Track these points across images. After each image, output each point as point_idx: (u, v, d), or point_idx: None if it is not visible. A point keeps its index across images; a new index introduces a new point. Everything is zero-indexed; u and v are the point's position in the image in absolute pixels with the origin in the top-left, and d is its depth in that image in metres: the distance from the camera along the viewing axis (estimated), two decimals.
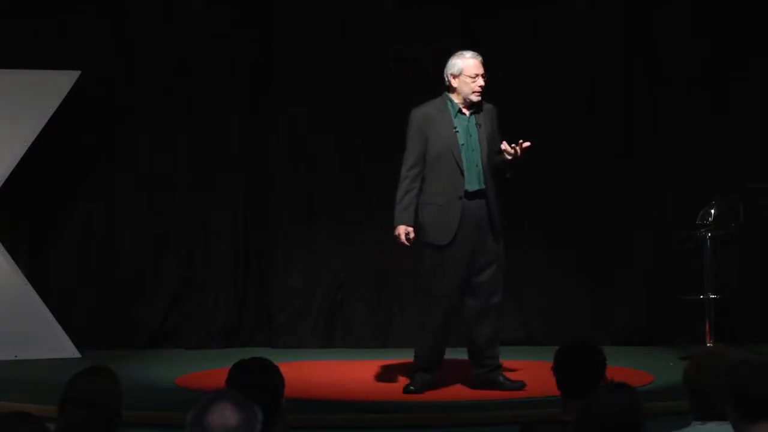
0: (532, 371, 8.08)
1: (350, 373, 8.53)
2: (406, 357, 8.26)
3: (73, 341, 9.38)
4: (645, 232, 9.80)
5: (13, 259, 9.46)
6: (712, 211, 8.95)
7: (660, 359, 8.77)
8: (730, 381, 3.64)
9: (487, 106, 7.69)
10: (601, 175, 9.86)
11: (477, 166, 7.56)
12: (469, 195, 7.54)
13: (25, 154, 9.37)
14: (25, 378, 8.33)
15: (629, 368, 8.16)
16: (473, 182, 7.55)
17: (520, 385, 7.63)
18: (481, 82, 7.59)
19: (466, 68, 7.61)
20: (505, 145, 7.51)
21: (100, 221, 10.04)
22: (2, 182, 9.37)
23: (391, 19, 9.91)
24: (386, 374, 8.26)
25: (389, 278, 9.97)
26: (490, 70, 7.78)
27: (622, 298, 9.91)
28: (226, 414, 3.03)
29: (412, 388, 7.59)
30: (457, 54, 7.69)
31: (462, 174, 7.52)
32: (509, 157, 7.51)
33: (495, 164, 7.60)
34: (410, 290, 9.90)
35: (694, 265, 9.12)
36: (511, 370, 7.93)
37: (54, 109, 9.36)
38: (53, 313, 9.43)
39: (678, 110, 9.90)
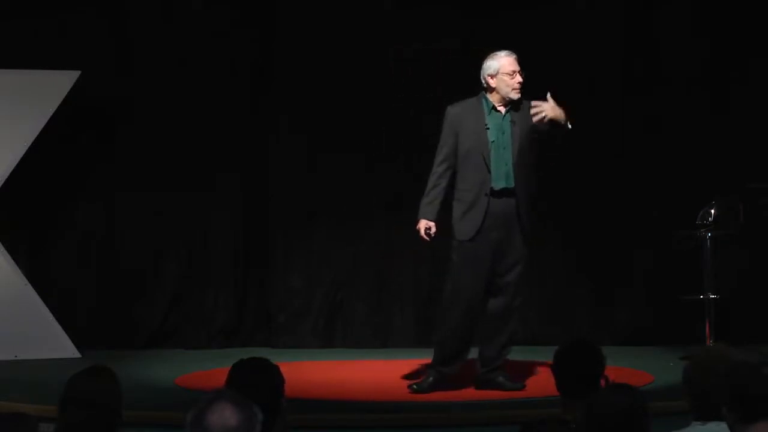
0: (532, 371, 8.08)
1: (350, 373, 8.54)
2: (406, 357, 8.28)
3: (73, 341, 9.38)
4: (645, 232, 9.79)
5: (13, 259, 9.46)
6: (712, 211, 8.95)
7: (660, 359, 8.76)
8: (725, 382, 3.64)
9: (525, 103, 7.60)
10: (601, 175, 9.86)
11: (506, 164, 7.50)
12: (496, 193, 7.49)
13: (25, 154, 9.37)
14: (25, 378, 8.33)
15: (629, 368, 8.16)
16: (500, 180, 7.49)
17: (520, 386, 7.62)
18: (519, 78, 7.54)
19: (502, 66, 7.56)
20: (533, 110, 7.44)
21: (100, 221, 10.04)
22: (2, 182, 9.37)
23: (391, 19, 9.91)
24: (386, 374, 8.26)
25: (389, 278, 9.97)
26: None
27: (622, 298, 9.91)
28: (226, 414, 3.02)
29: (415, 387, 7.58)
30: (490, 56, 7.62)
31: (489, 171, 7.49)
32: (543, 117, 7.41)
33: (544, 138, 7.52)
34: (410, 290, 9.92)
35: (694, 265, 9.11)
36: (512, 370, 7.93)
37: (54, 109, 9.36)
38: (53, 313, 9.43)
39: (678, 110, 9.90)
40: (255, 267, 10.14)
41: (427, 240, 7.60)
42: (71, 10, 9.83)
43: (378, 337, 9.99)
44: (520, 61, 7.62)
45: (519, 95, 7.55)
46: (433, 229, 7.55)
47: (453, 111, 7.63)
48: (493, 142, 7.51)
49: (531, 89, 9.72)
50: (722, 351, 4.03)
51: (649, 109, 9.94)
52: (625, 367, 8.06)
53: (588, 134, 9.82)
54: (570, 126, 7.49)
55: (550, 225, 9.82)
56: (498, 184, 7.49)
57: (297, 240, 10.05)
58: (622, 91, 9.95)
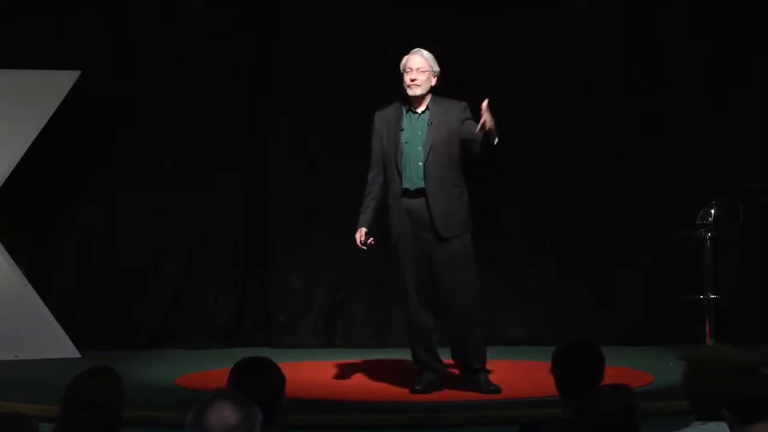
0: (532, 371, 8.07)
1: (350, 373, 8.54)
2: (406, 357, 8.26)
3: (73, 341, 9.39)
4: (645, 232, 9.80)
5: (13, 259, 9.47)
6: (712, 211, 8.95)
7: (660, 359, 8.76)
8: (725, 383, 3.64)
9: (455, 104, 7.54)
10: (601, 175, 9.86)
11: (419, 164, 7.47)
12: (410, 193, 7.49)
13: (25, 154, 9.37)
14: (25, 378, 8.33)
15: (629, 368, 8.17)
16: (413, 181, 7.49)
17: (495, 390, 7.49)
18: (413, 75, 7.54)
19: (402, 65, 7.63)
20: (484, 115, 7.25)
21: (100, 221, 10.04)
22: (2, 182, 9.38)
23: (392, 20, 9.91)
24: (386, 374, 8.26)
25: (389, 278, 9.95)
26: (489, 71, 7.79)
27: (622, 298, 9.91)
28: (225, 413, 3.02)
29: (418, 388, 7.57)
30: None
31: (399, 173, 7.49)
32: (485, 125, 7.22)
33: (472, 149, 7.39)
34: None
35: (694, 265, 9.11)
36: (511, 371, 7.92)
37: (54, 109, 9.37)
38: (53, 313, 9.43)
39: (678, 110, 9.90)
40: (255, 267, 10.14)
41: (363, 249, 7.62)
42: (71, 10, 9.83)
43: (378, 337, 9.99)
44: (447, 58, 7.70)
45: (413, 92, 7.54)
46: (363, 237, 7.56)
47: (377, 116, 7.70)
48: (406, 143, 7.51)
49: (531, 89, 9.76)
50: (721, 351, 4.03)
51: (649, 109, 9.94)
52: (625, 367, 8.06)
53: (588, 134, 9.85)
54: (496, 141, 7.32)
55: (549, 224, 9.84)
56: (411, 185, 7.49)
57: (297, 240, 10.06)
58: (622, 91, 9.95)
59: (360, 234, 7.60)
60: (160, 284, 10.04)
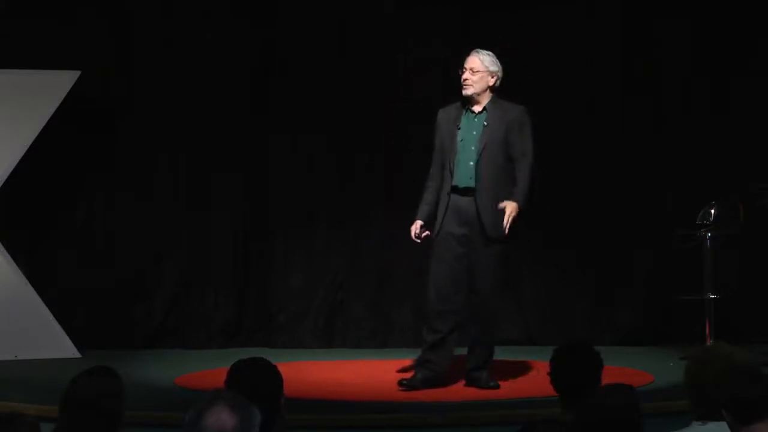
0: (531, 371, 8.08)
1: (350, 373, 8.53)
2: (406, 357, 8.27)
3: (73, 341, 9.38)
4: (645, 232, 9.80)
5: (13, 259, 9.46)
6: (712, 211, 8.95)
7: (660, 359, 8.77)
8: (725, 383, 3.64)
9: (512, 108, 7.68)
10: (601, 175, 9.86)
11: (470, 163, 7.57)
12: (459, 191, 7.57)
13: (25, 154, 9.37)
14: (25, 378, 8.33)
15: (629, 368, 8.17)
16: (463, 179, 7.58)
17: (494, 385, 7.61)
18: (465, 75, 7.65)
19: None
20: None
21: (100, 221, 10.04)
22: (2, 182, 9.37)
23: (392, 20, 9.91)
24: (386, 374, 8.25)
25: (389, 278, 9.97)
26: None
27: (622, 298, 9.91)
28: (222, 417, 3.01)
29: (405, 382, 7.62)
30: None
31: (450, 170, 7.57)
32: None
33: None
34: (410, 290, 9.92)
35: (694, 265, 9.12)
36: (510, 370, 7.92)
37: (54, 109, 9.36)
38: (53, 313, 9.43)
39: (678, 110, 9.90)
40: (255, 267, 10.13)
41: (417, 242, 7.69)
42: (71, 10, 9.82)
43: (378, 337, 9.99)
44: (499, 59, 7.73)
45: (465, 92, 7.63)
46: (419, 230, 7.65)
47: (440, 113, 7.80)
48: (461, 141, 7.60)
49: (531, 89, 9.76)
50: (722, 349, 4.03)
51: (649, 109, 9.94)
52: (625, 367, 8.06)
53: (588, 134, 9.85)
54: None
55: (549, 224, 9.83)
56: (461, 183, 7.58)
57: (297, 240, 10.05)
58: (622, 91, 9.95)
59: (415, 226, 7.67)
60: (160, 284, 10.03)
